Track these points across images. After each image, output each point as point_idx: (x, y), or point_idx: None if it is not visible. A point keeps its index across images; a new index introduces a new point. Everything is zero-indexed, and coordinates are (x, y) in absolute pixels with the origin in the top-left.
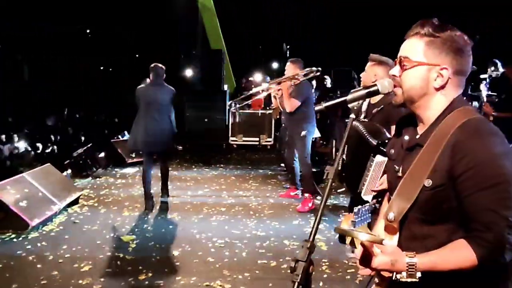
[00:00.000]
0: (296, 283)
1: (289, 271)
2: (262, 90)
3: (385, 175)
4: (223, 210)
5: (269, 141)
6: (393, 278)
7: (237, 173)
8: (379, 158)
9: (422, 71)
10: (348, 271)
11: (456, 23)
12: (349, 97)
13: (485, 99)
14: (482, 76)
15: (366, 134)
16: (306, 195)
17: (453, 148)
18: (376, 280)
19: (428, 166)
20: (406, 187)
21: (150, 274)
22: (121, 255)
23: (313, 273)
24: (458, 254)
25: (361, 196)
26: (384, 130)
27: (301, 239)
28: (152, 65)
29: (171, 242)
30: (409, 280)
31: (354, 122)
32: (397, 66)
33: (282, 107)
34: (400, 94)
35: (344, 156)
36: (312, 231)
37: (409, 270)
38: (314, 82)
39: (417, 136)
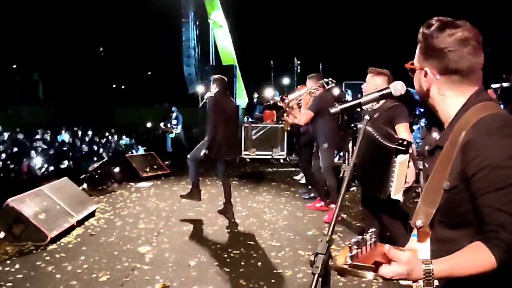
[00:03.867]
0: (316, 275)
1: (305, 280)
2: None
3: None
4: (238, 221)
5: (282, 155)
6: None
7: (251, 186)
8: (400, 158)
9: (417, 75)
10: (364, 279)
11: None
12: (363, 99)
13: None
14: (493, 86)
15: (380, 139)
16: (333, 206)
17: (465, 148)
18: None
19: (446, 168)
20: (429, 192)
21: (167, 284)
22: (138, 265)
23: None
24: (476, 258)
25: (391, 197)
26: (393, 132)
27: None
28: (217, 76)
29: (187, 253)
30: None
31: (367, 127)
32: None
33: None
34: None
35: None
36: (330, 225)
37: (426, 278)
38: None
39: (438, 137)
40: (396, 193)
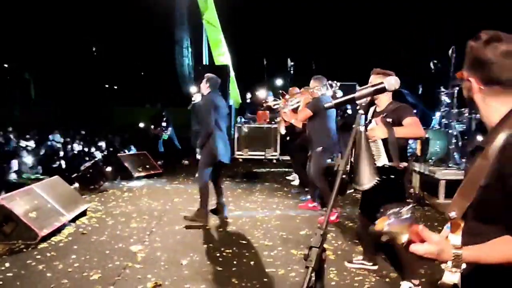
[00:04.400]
0: (310, 269)
1: (297, 278)
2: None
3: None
4: (230, 221)
5: (275, 155)
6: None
7: (243, 186)
8: (370, 126)
9: (465, 84)
10: (356, 278)
11: None
12: (356, 94)
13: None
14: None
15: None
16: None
17: (503, 150)
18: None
19: (485, 168)
20: (466, 187)
21: (159, 282)
22: (130, 264)
23: (326, 260)
24: (503, 249)
25: (377, 164)
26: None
27: None
28: (211, 75)
29: (179, 252)
30: (453, 270)
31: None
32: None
33: (289, 120)
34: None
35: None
36: (325, 219)
37: (455, 260)
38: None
39: (481, 139)
40: (379, 159)
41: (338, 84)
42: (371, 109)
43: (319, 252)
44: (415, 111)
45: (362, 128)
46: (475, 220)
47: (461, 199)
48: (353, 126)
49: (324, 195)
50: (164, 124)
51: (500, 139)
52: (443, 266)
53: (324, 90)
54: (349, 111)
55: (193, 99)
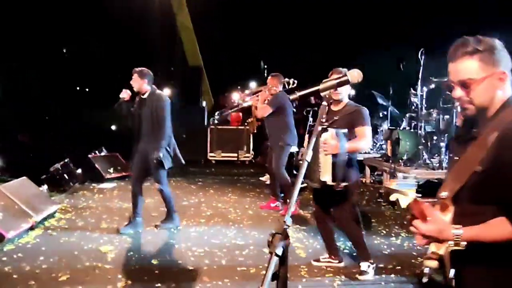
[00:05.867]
0: (274, 254)
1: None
2: (239, 103)
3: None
4: (202, 221)
5: (248, 157)
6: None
7: (216, 187)
8: (324, 136)
9: (488, 83)
10: (326, 275)
11: None
12: (321, 86)
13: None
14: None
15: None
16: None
17: (500, 137)
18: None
19: (480, 154)
20: (459, 171)
21: (129, 282)
22: (100, 264)
23: (289, 246)
24: (498, 228)
25: (321, 179)
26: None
27: None
28: (146, 70)
29: (150, 252)
30: (455, 248)
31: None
32: (459, 89)
33: (256, 116)
34: (473, 108)
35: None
36: (289, 208)
37: (456, 239)
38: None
39: (475, 130)
40: (324, 174)
41: (296, 82)
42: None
43: (282, 238)
44: (385, 112)
45: (319, 128)
46: (469, 202)
47: (452, 182)
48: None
49: (285, 190)
50: None
51: (498, 128)
52: (444, 244)
53: (281, 87)
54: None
55: (122, 95)
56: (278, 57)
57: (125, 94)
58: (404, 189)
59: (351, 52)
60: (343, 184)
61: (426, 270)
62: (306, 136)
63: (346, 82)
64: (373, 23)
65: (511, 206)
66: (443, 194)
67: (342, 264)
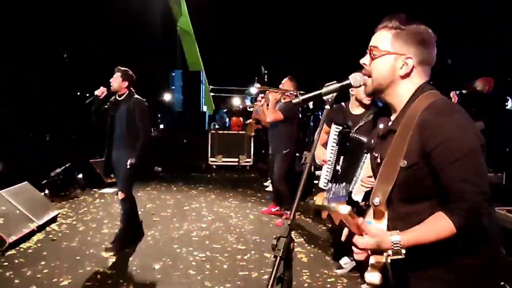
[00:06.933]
0: (279, 258)
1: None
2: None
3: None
4: (203, 226)
5: (249, 161)
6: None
7: (217, 192)
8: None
9: (390, 60)
10: (328, 280)
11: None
12: (323, 90)
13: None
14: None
15: (358, 136)
16: (288, 212)
17: (421, 127)
18: (371, 262)
19: (402, 148)
20: (385, 171)
21: (131, 287)
22: (101, 269)
23: (294, 249)
24: (437, 226)
25: (352, 197)
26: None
27: None
28: (127, 70)
29: (152, 256)
30: (395, 257)
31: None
32: (367, 55)
33: (262, 119)
34: (370, 83)
35: (341, 164)
36: (292, 210)
37: (394, 248)
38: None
39: (389, 123)
40: (357, 193)
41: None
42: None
43: (287, 241)
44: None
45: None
46: (401, 202)
47: (382, 184)
48: (321, 122)
49: (283, 198)
50: None
51: (415, 118)
52: (384, 254)
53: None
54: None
55: (97, 93)
56: (279, 63)
57: (100, 92)
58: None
59: (352, 53)
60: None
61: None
62: (316, 136)
63: (349, 86)
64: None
65: (447, 195)
66: (376, 200)
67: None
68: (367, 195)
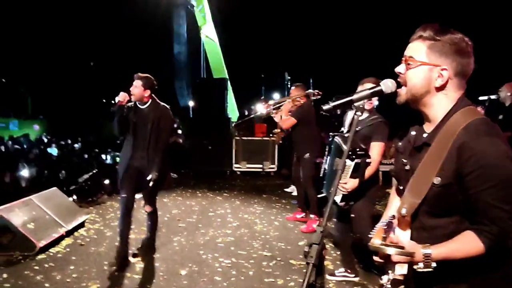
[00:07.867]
0: (311, 265)
1: None
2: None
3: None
4: (228, 232)
5: (273, 168)
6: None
7: (242, 198)
8: (348, 162)
9: (425, 71)
10: (355, 287)
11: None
12: (355, 96)
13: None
14: (481, 98)
15: (341, 142)
16: (312, 216)
17: (460, 149)
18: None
19: (436, 165)
20: (416, 184)
21: None
22: (129, 274)
23: (325, 256)
24: (468, 244)
25: (332, 196)
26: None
27: None
28: (149, 76)
29: (178, 262)
30: (425, 270)
31: (336, 139)
32: (403, 64)
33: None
34: (404, 93)
35: (326, 166)
36: (325, 217)
37: (426, 260)
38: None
39: (425, 135)
40: (337, 193)
41: (320, 93)
42: (349, 118)
43: (319, 248)
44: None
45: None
46: (427, 215)
47: (411, 197)
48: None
49: (311, 203)
50: None
51: (453, 136)
52: (414, 267)
53: (305, 98)
54: None
55: (119, 99)
56: (302, 69)
57: (122, 97)
58: None
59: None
60: (351, 203)
61: None
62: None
63: (380, 92)
64: (398, 33)
65: (478, 217)
66: (403, 211)
67: (357, 279)
68: (345, 197)
